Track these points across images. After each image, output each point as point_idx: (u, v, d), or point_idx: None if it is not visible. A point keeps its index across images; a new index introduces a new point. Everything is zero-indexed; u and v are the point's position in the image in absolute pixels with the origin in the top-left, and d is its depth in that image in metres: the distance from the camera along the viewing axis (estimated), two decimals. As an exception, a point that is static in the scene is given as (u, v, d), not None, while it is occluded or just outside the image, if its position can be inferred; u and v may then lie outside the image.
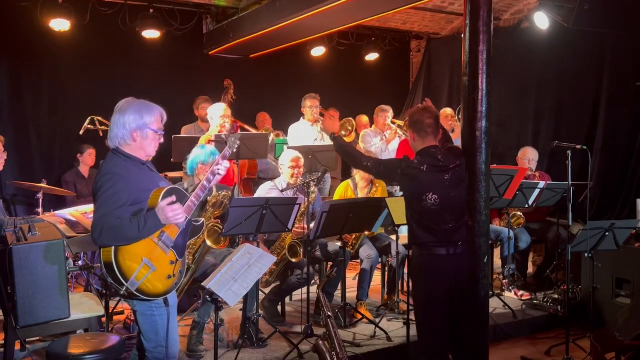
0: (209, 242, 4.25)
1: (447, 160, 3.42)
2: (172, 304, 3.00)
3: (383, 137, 6.75)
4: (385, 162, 3.61)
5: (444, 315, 3.40)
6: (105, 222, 2.72)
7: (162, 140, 3.03)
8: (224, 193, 4.40)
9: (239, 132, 6.02)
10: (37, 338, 4.34)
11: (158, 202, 2.79)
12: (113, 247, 2.75)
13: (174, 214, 2.77)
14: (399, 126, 6.75)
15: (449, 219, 3.37)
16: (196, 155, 4.49)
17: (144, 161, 2.98)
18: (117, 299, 4.71)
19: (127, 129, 2.89)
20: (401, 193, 5.42)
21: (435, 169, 3.38)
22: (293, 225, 4.47)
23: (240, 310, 4.59)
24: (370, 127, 7.15)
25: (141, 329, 2.99)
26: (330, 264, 5.28)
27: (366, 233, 5.19)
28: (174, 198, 2.81)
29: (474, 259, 3.60)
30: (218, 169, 3.08)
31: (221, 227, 4.23)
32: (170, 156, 5.62)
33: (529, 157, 6.15)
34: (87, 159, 6.72)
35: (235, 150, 3.35)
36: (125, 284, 2.74)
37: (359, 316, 5.00)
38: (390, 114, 6.82)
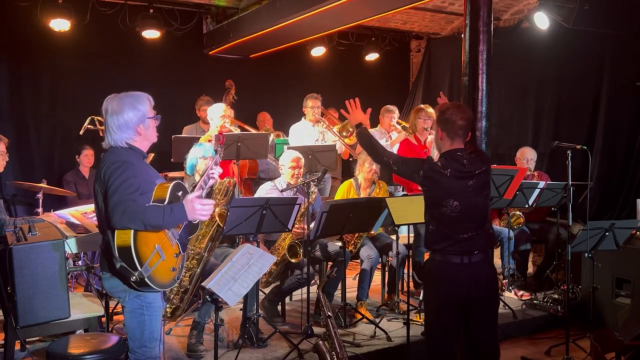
0: (221, 224, 4.22)
1: (472, 166, 3.24)
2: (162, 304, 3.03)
3: (388, 138, 6.73)
4: (407, 161, 3.44)
5: (455, 323, 3.30)
6: (127, 206, 2.69)
7: (157, 123, 3.03)
8: (228, 180, 4.40)
9: (240, 131, 6.01)
10: (37, 338, 4.34)
11: (166, 195, 2.81)
12: (132, 231, 2.72)
13: (202, 207, 2.78)
14: (403, 127, 6.73)
15: (468, 227, 3.20)
16: (195, 152, 4.50)
17: (145, 154, 3.01)
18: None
19: (132, 127, 2.90)
20: (402, 193, 5.46)
21: (460, 174, 3.20)
22: (293, 226, 4.47)
23: (241, 310, 4.60)
24: (372, 127, 7.14)
25: (127, 326, 2.97)
26: (330, 264, 5.28)
27: (372, 233, 5.19)
28: (202, 191, 2.85)
29: (492, 268, 3.42)
30: (212, 173, 3.16)
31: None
32: (170, 156, 5.62)
33: (527, 157, 6.15)
34: (84, 159, 6.72)
35: (221, 156, 3.42)
36: (139, 269, 2.71)
37: (359, 316, 5.00)
38: (396, 114, 6.78)
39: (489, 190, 3.41)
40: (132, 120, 2.89)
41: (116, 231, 2.73)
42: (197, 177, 4.44)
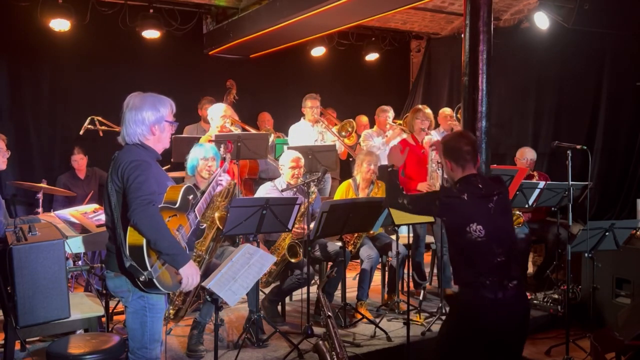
0: (221, 227, 4.25)
1: (488, 188, 3.14)
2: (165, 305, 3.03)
3: (384, 137, 6.75)
4: (422, 197, 3.38)
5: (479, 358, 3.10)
6: (152, 211, 2.69)
7: (174, 130, 3.07)
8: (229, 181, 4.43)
9: (241, 131, 6.01)
10: (37, 338, 4.34)
11: (178, 197, 2.85)
12: None
13: (193, 280, 2.86)
14: (399, 124, 6.75)
15: (498, 252, 3.01)
16: (196, 153, 4.50)
17: (159, 156, 3.02)
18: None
19: (147, 125, 2.92)
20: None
21: (478, 196, 3.08)
22: (293, 226, 4.47)
23: (244, 309, 4.59)
24: (372, 127, 7.15)
25: (128, 327, 2.97)
26: (330, 264, 5.28)
27: (371, 233, 5.19)
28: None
29: (526, 301, 3.21)
30: (220, 180, 3.30)
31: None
32: (171, 156, 5.62)
33: (527, 157, 6.16)
34: (74, 164, 6.67)
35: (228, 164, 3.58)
36: (149, 269, 2.70)
37: (359, 316, 5.00)
38: (391, 114, 6.81)
39: (511, 214, 3.29)
40: (148, 119, 2.92)
41: (129, 229, 2.72)
42: (198, 178, 4.46)
